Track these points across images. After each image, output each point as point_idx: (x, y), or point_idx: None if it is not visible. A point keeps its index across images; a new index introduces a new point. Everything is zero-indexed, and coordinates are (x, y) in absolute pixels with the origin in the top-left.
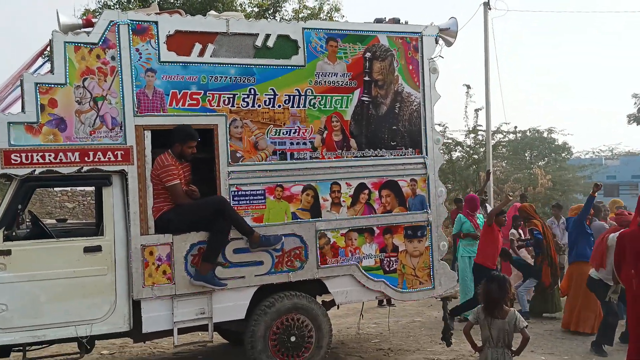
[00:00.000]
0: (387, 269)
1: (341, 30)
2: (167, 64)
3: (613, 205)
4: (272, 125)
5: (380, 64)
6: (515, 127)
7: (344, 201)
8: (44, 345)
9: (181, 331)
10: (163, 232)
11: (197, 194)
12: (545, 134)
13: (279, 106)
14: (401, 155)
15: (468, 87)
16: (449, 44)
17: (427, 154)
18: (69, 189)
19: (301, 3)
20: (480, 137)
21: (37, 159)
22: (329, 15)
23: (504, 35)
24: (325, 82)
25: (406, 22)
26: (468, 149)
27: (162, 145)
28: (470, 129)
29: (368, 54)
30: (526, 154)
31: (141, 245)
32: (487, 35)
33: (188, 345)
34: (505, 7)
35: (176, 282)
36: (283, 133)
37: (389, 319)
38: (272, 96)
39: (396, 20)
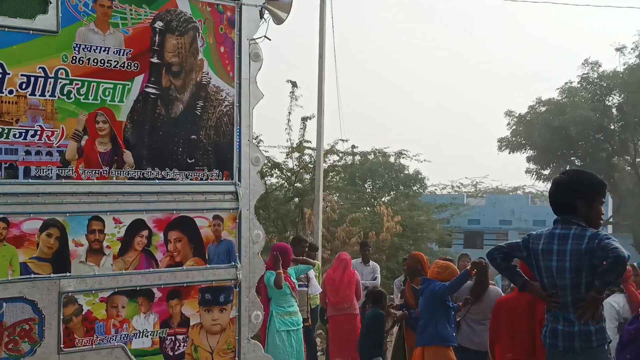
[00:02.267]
0: (171, 354)
1: None
2: None
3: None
4: None
5: (177, 41)
6: (353, 147)
7: (108, 247)
8: None
9: None
10: None
11: None
12: (392, 159)
13: (10, 92)
14: (202, 179)
15: (294, 84)
16: (279, 20)
17: (240, 180)
18: None
19: None
20: (307, 158)
21: None
22: None
23: (344, 26)
24: (89, 59)
25: None
26: (289, 173)
27: None
28: (295, 146)
29: (159, 24)
30: (366, 185)
31: None
32: (324, 17)
33: None
34: None
35: None
36: (14, 135)
37: None
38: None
39: None
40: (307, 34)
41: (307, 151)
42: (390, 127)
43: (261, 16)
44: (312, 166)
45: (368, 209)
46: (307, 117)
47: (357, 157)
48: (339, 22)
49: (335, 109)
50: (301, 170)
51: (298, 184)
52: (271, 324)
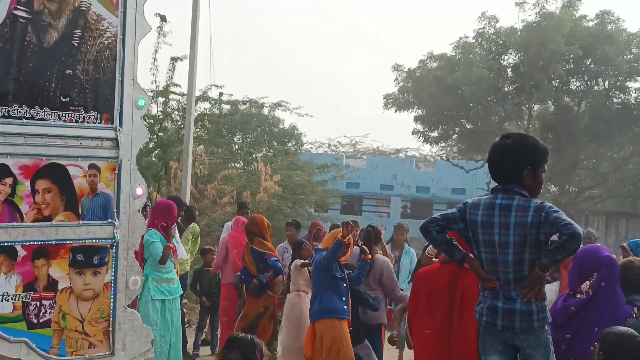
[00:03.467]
0: (35, 321)
1: None
2: None
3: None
4: None
5: None
6: (223, 94)
7: None
8: None
9: None
10: None
11: None
12: (267, 111)
13: None
14: (77, 121)
15: (162, 18)
16: None
17: (121, 125)
18: None
19: None
20: (173, 104)
21: None
22: None
23: None
24: None
25: None
26: (152, 121)
27: None
28: (161, 89)
29: None
30: (236, 138)
31: None
32: None
33: None
34: None
35: None
36: None
37: None
38: None
39: None
40: None
41: (174, 96)
42: (266, 78)
43: None
44: (179, 114)
45: (241, 165)
46: (178, 57)
47: (227, 107)
48: None
49: (207, 52)
50: (166, 118)
51: (161, 134)
52: (145, 290)
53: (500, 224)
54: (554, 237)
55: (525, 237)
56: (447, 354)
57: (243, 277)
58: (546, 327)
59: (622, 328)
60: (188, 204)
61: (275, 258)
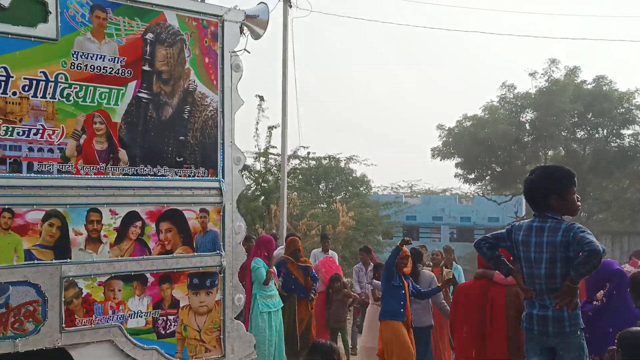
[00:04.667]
0: (163, 332)
1: None
2: None
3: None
4: (0, 120)
5: (167, 51)
6: (309, 153)
7: (105, 236)
8: None
9: None
10: None
11: None
12: (343, 164)
13: (14, 93)
14: (190, 176)
15: (261, 98)
16: (256, 35)
17: (224, 177)
18: None
19: None
20: (272, 162)
21: None
22: None
23: (307, 42)
24: (86, 66)
25: (202, 0)
26: (257, 175)
27: None
28: (262, 152)
29: (150, 36)
30: (320, 186)
31: None
32: (287, 38)
33: None
34: (309, 6)
35: None
36: (18, 133)
37: None
38: (4, 78)
39: None
40: (273, 54)
41: (272, 156)
42: (340, 138)
43: (241, 31)
44: (276, 169)
45: (324, 206)
46: (273, 126)
47: (313, 162)
48: (299, 48)
49: (295, 120)
50: (267, 173)
51: (264, 184)
52: (254, 306)
53: (535, 243)
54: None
55: (556, 254)
56: (483, 352)
57: (293, 287)
58: (579, 332)
59: (637, 329)
60: (284, 238)
61: (313, 270)
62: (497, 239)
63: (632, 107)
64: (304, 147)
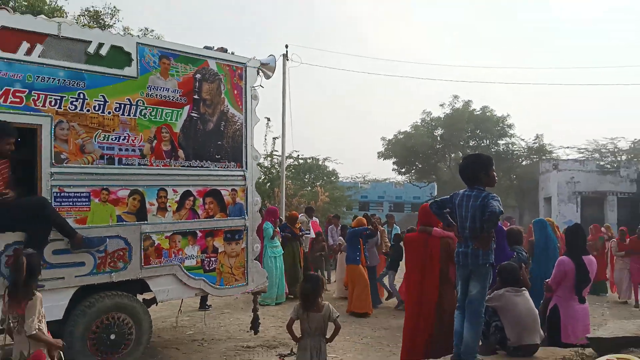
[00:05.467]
0: (207, 268)
1: (174, 50)
2: None
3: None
4: (100, 131)
5: (209, 86)
6: (299, 155)
7: (169, 206)
8: None
9: None
10: None
11: (12, 198)
12: (320, 162)
13: (109, 113)
14: (224, 167)
15: (268, 119)
16: (267, 76)
17: (246, 168)
18: None
19: (127, 30)
20: (275, 160)
21: None
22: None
23: (299, 81)
24: (156, 95)
25: (232, 53)
26: (265, 169)
27: None
28: (268, 154)
29: (198, 75)
30: (306, 176)
31: None
32: (285, 80)
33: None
34: (299, 60)
35: None
36: (112, 139)
37: (204, 312)
38: (102, 102)
39: (224, 50)
40: (276, 89)
41: (275, 156)
42: (319, 144)
43: (257, 73)
44: (278, 165)
45: (309, 189)
46: (276, 137)
47: (302, 161)
48: (294, 85)
49: (290, 132)
50: (272, 167)
51: (270, 175)
52: (265, 252)
53: (465, 206)
54: None
55: (475, 213)
56: (421, 287)
57: (291, 235)
58: (487, 265)
59: (507, 263)
60: (284, 210)
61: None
62: (443, 202)
63: (505, 126)
64: (296, 151)
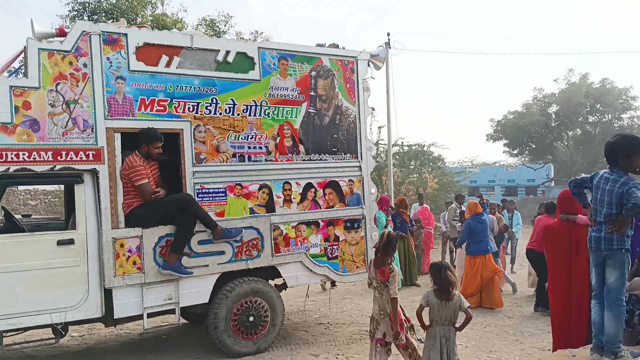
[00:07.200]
0: (330, 256)
1: (291, 51)
2: (136, 72)
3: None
4: (232, 131)
5: (324, 82)
6: (403, 142)
7: (294, 198)
8: (19, 332)
9: (149, 315)
10: (133, 226)
11: (162, 195)
12: (425, 147)
13: (238, 114)
14: (341, 159)
15: (373, 109)
16: (377, 67)
17: (362, 159)
18: (31, 187)
19: (239, 35)
20: (381, 149)
21: (12, 158)
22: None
23: (405, 65)
24: (277, 95)
25: (343, 48)
26: (373, 157)
27: (131, 147)
28: (375, 142)
29: (313, 73)
30: (411, 163)
31: (112, 238)
32: (388, 69)
33: (156, 328)
34: (402, 46)
35: (145, 271)
36: (241, 138)
37: (329, 297)
38: (232, 105)
39: (335, 46)
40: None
41: (381, 145)
42: (424, 130)
43: (368, 65)
44: (384, 153)
45: (415, 176)
46: (381, 126)
47: (407, 148)
48: (398, 74)
49: (394, 121)
50: (378, 156)
51: (377, 163)
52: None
53: (602, 188)
54: None
55: (612, 199)
56: (569, 276)
57: (400, 225)
58: (624, 251)
59: None
60: (392, 197)
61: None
62: (582, 181)
63: (628, 98)
64: (401, 138)
